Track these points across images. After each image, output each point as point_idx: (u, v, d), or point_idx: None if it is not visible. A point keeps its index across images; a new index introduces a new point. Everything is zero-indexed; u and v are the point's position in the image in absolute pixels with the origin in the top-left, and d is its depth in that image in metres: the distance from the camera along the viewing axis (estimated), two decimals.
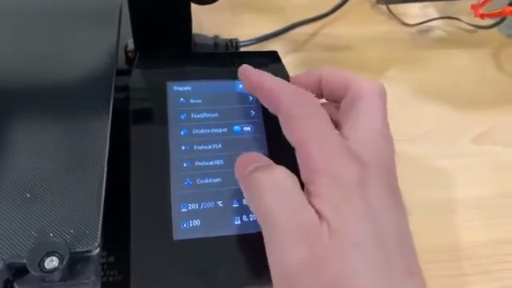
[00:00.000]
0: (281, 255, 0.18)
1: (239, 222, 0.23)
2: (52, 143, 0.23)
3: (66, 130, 0.23)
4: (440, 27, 0.47)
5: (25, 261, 0.18)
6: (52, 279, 0.18)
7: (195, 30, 0.31)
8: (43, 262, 0.18)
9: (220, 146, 0.25)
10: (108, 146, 0.23)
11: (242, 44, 0.38)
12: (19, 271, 0.19)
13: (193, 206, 0.23)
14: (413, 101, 0.39)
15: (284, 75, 0.27)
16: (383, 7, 0.47)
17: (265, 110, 0.24)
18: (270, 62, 0.28)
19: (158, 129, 0.25)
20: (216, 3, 0.27)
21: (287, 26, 0.43)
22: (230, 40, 0.37)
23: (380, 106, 0.23)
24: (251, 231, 0.22)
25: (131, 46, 0.32)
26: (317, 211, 0.19)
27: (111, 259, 0.24)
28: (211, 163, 0.24)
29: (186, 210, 0.23)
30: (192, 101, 0.26)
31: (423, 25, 0.46)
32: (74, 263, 0.19)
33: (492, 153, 0.36)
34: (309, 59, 0.41)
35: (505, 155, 0.36)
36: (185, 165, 0.24)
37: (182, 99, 0.26)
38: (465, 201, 0.32)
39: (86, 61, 0.27)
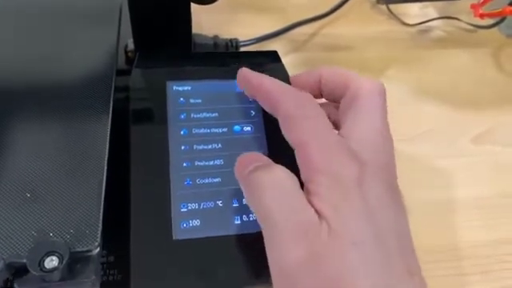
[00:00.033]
0: (280, 254, 0.18)
1: (239, 222, 0.23)
2: (52, 143, 0.23)
3: (66, 130, 0.23)
4: (440, 27, 0.47)
5: (25, 260, 0.18)
6: (52, 279, 0.18)
7: (195, 30, 0.32)
8: (43, 261, 0.18)
9: (220, 145, 0.25)
10: (108, 145, 0.23)
11: (241, 44, 0.38)
12: (19, 271, 0.19)
13: (192, 206, 0.23)
14: (412, 101, 0.39)
15: (284, 75, 0.27)
16: (383, 7, 0.47)
17: (265, 110, 0.24)
18: (269, 61, 0.28)
19: (157, 129, 0.25)
20: (216, 3, 0.27)
21: (287, 26, 0.43)
22: (230, 40, 0.37)
23: (380, 106, 0.23)
24: (251, 231, 0.22)
25: (131, 46, 0.32)
26: (316, 210, 0.19)
27: (111, 259, 0.24)
28: (211, 163, 0.24)
29: (185, 209, 0.23)
30: (192, 100, 0.26)
31: (423, 25, 0.46)
32: (74, 263, 0.19)
33: (492, 153, 0.36)
34: (309, 59, 0.41)
35: (505, 155, 0.36)
36: (184, 164, 0.24)
37: (181, 99, 0.26)
38: (464, 201, 0.32)
39: (85, 61, 0.27)
